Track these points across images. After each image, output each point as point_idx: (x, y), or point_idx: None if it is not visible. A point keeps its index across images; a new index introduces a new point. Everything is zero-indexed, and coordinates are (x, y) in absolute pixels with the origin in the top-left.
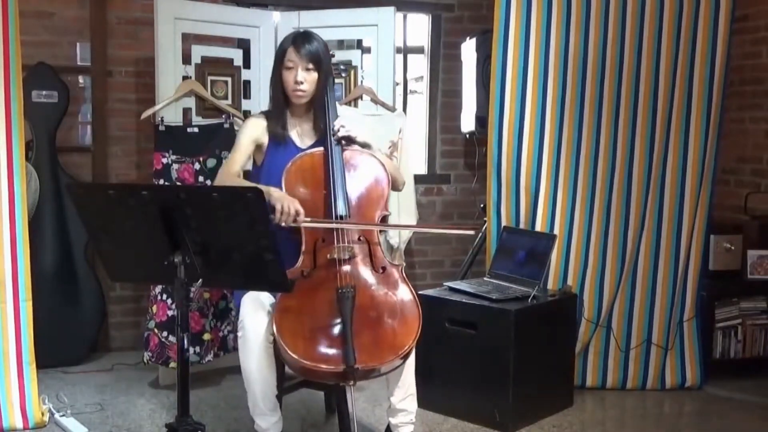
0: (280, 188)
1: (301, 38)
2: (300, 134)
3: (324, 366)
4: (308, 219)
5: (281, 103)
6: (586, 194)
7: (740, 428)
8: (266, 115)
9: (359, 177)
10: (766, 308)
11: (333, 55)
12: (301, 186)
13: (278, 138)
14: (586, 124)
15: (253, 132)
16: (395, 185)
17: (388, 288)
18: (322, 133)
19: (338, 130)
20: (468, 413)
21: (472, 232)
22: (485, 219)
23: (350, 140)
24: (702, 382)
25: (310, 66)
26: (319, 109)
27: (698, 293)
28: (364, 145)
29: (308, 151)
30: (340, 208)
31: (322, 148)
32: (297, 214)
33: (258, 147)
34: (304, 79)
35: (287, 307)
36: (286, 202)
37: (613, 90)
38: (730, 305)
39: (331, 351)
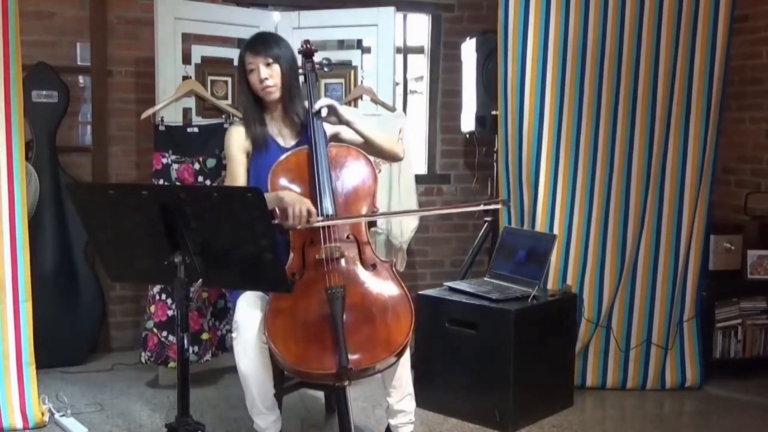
0: (267, 190)
1: (253, 40)
2: (282, 134)
3: (317, 368)
4: (320, 218)
5: (254, 108)
6: (585, 194)
7: (740, 428)
8: (244, 122)
9: (345, 174)
10: (766, 308)
11: (316, 50)
12: (287, 186)
13: (260, 142)
14: (584, 123)
15: (238, 142)
16: (394, 156)
17: (378, 286)
18: (303, 129)
19: (320, 109)
20: (468, 413)
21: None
22: (486, 219)
23: (334, 111)
24: (702, 382)
25: (269, 60)
26: (289, 101)
27: (698, 293)
28: (347, 122)
29: (293, 151)
30: (327, 207)
31: (306, 147)
32: (309, 215)
33: (246, 154)
34: (268, 75)
35: (278, 310)
36: (297, 205)
37: (611, 89)
38: (730, 305)
39: (324, 352)
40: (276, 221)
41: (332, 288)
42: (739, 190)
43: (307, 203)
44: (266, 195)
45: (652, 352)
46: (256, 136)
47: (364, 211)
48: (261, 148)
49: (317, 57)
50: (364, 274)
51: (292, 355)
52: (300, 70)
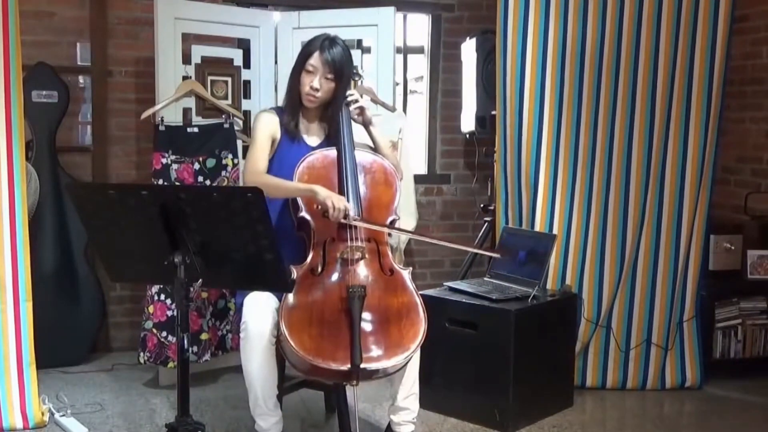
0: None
1: (328, 45)
2: (309, 132)
3: (330, 363)
4: (357, 217)
5: (297, 102)
6: (584, 193)
7: (740, 428)
8: (277, 111)
9: (371, 180)
10: (766, 308)
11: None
12: (313, 184)
13: (291, 135)
14: (584, 123)
15: (268, 127)
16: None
17: (396, 291)
18: (331, 132)
19: (354, 100)
20: (468, 413)
21: (497, 255)
22: (486, 219)
23: (362, 110)
24: (702, 382)
25: (330, 76)
26: (332, 114)
27: (698, 293)
28: (368, 122)
29: (321, 150)
30: (352, 210)
31: (334, 149)
32: (347, 210)
33: (272, 143)
34: (320, 87)
35: (296, 304)
36: (335, 199)
37: (610, 88)
38: (730, 305)
39: (337, 349)
40: (302, 213)
41: (353, 287)
42: (739, 190)
43: (344, 199)
44: (297, 185)
45: (652, 352)
46: (289, 127)
47: (387, 217)
48: (290, 141)
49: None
50: (383, 278)
51: (307, 347)
52: None
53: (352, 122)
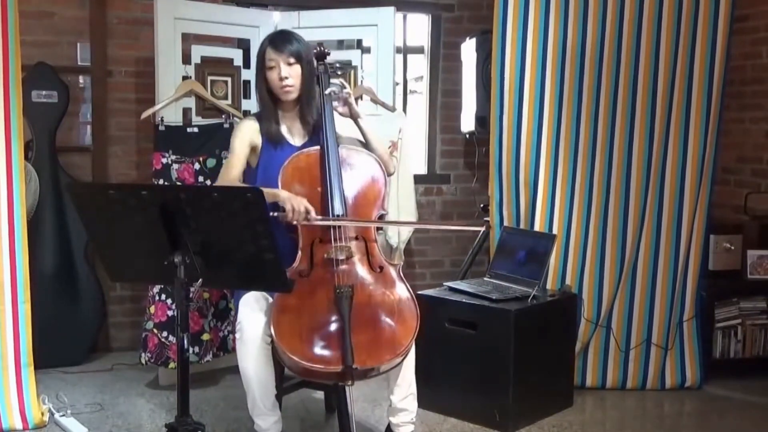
0: (277, 188)
1: (277, 37)
2: (292, 133)
3: (322, 366)
4: (319, 217)
5: (270, 104)
6: (584, 193)
7: (740, 428)
8: (257, 117)
9: (356, 176)
10: (766, 308)
11: (328, 53)
12: (298, 185)
13: (273, 138)
14: (584, 123)
15: (246, 135)
16: (386, 169)
17: (385, 287)
18: (314, 129)
19: (331, 92)
20: (468, 413)
21: (480, 229)
22: (486, 219)
23: (347, 102)
24: (702, 382)
25: (291, 60)
26: (306, 103)
27: (698, 293)
28: (356, 115)
29: (304, 150)
30: (337, 208)
31: (318, 147)
32: (307, 212)
33: (252, 149)
34: (288, 74)
35: (285, 308)
36: (295, 202)
37: (610, 88)
38: (730, 305)
39: (330, 351)
40: (275, 214)
41: (340, 287)
42: (739, 190)
43: (305, 201)
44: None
45: (652, 352)
46: (270, 132)
47: (373, 213)
48: (273, 145)
49: (329, 59)
50: (371, 275)
51: (298, 351)
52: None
53: (342, 117)
